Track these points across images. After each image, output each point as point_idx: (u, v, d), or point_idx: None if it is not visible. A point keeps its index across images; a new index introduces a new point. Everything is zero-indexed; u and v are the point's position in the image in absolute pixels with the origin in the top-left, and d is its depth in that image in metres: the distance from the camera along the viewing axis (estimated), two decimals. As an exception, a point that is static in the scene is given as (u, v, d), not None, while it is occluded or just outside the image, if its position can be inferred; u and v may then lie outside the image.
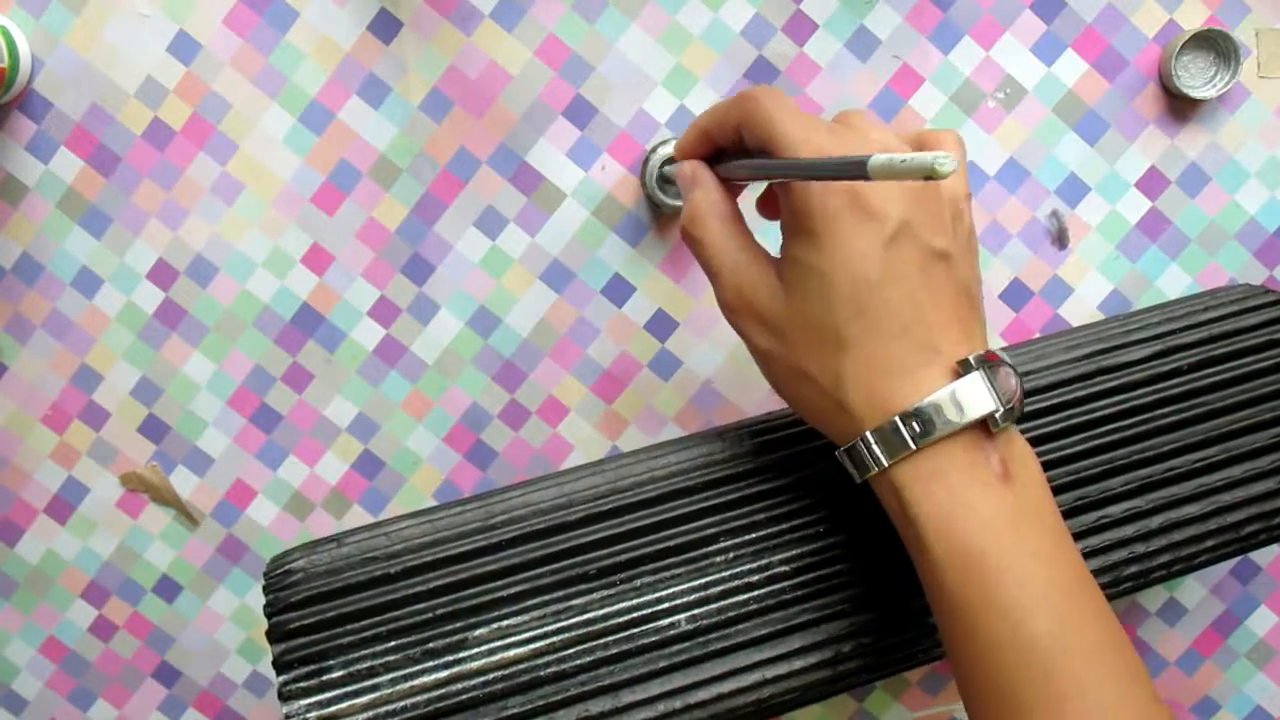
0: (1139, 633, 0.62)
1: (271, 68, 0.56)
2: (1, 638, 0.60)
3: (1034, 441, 0.48)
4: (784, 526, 0.46)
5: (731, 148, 0.44)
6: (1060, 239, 0.60)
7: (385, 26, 0.56)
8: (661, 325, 0.59)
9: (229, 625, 0.60)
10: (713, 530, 0.46)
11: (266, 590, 0.45)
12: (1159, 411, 0.50)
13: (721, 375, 0.59)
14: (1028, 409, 0.49)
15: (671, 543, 0.46)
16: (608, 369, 0.59)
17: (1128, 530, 0.48)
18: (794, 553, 0.46)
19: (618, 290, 0.59)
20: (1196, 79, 0.58)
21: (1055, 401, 0.49)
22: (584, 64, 0.56)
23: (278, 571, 0.45)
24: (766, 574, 0.46)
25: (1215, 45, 0.57)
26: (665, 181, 0.56)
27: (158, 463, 0.59)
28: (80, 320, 0.57)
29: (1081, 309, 0.60)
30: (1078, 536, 0.48)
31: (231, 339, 0.58)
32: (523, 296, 0.58)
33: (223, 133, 0.56)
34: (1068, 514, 0.48)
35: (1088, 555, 0.48)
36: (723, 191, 0.44)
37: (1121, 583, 0.49)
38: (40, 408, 0.58)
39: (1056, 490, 0.47)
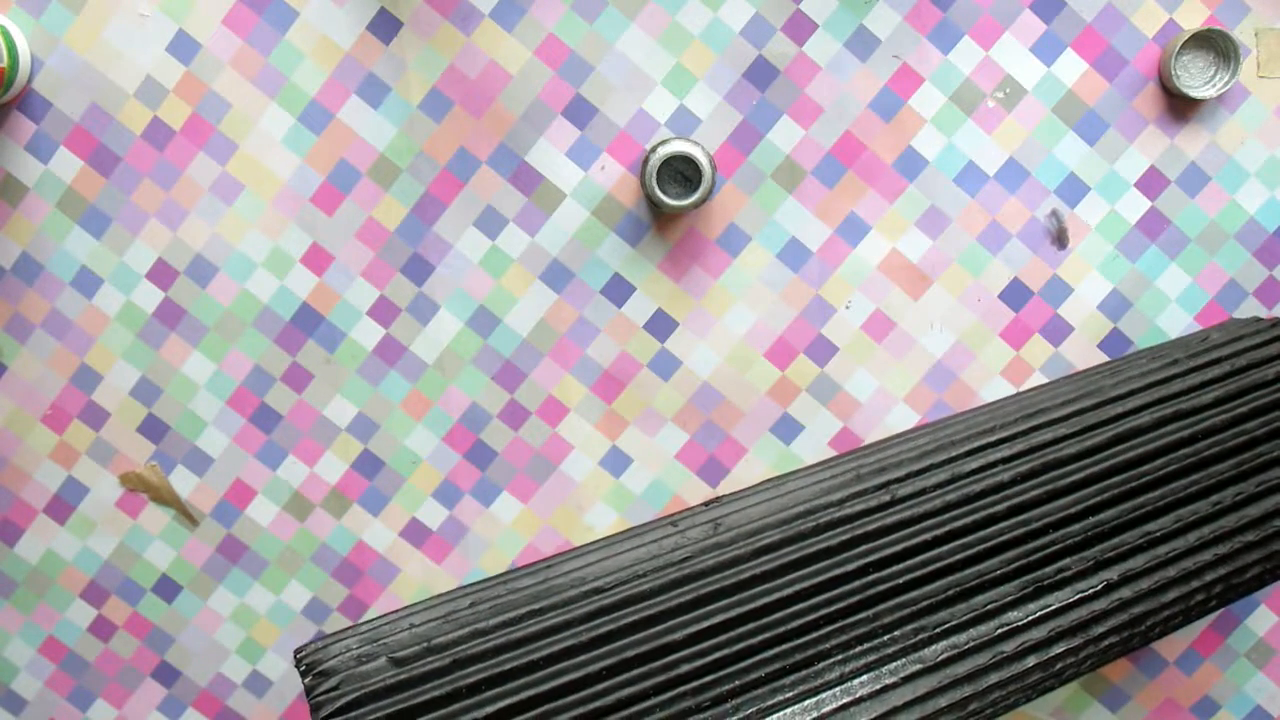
0: (1139, 633, 0.62)
1: (271, 68, 0.56)
2: (1, 638, 0.60)
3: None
4: (903, 645, 0.44)
5: None
6: (1060, 239, 0.60)
7: (385, 26, 0.56)
8: (661, 325, 0.59)
9: (228, 625, 0.60)
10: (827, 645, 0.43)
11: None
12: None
13: (721, 375, 0.60)
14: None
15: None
16: (608, 369, 0.59)
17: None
18: (904, 660, 0.44)
19: (618, 290, 0.59)
20: (1196, 79, 0.58)
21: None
22: (584, 64, 0.56)
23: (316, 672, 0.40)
24: (878, 686, 0.43)
25: (1215, 45, 0.57)
26: (666, 181, 0.56)
27: (157, 463, 0.59)
28: (80, 320, 0.57)
29: (1081, 309, 0.60)
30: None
31: (231, 339, 0.58)
32: (522, 296, 0.58)
33: (222, 133, 0.56)
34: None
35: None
36: None
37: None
38: (40, 407, 0.58)
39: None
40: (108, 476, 0.59)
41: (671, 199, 0.56)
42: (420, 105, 0.56)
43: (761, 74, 0.57)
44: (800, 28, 0.57)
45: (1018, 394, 0.54)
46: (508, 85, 0.56)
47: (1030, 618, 0.45)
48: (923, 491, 0.47)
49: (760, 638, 0.42)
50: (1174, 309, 0.60)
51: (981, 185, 0.59)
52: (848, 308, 0.59)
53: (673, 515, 0.47)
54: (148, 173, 0.56)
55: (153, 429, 0.58)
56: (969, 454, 0.48)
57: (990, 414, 0.51)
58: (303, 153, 0.56)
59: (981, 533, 0.46)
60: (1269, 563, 0.50)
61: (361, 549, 0.60)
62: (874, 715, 0.43)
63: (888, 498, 0.46)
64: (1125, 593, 0.47)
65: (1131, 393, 0.51)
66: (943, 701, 0.44)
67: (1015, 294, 0.60)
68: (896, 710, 0.43)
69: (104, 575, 0.60)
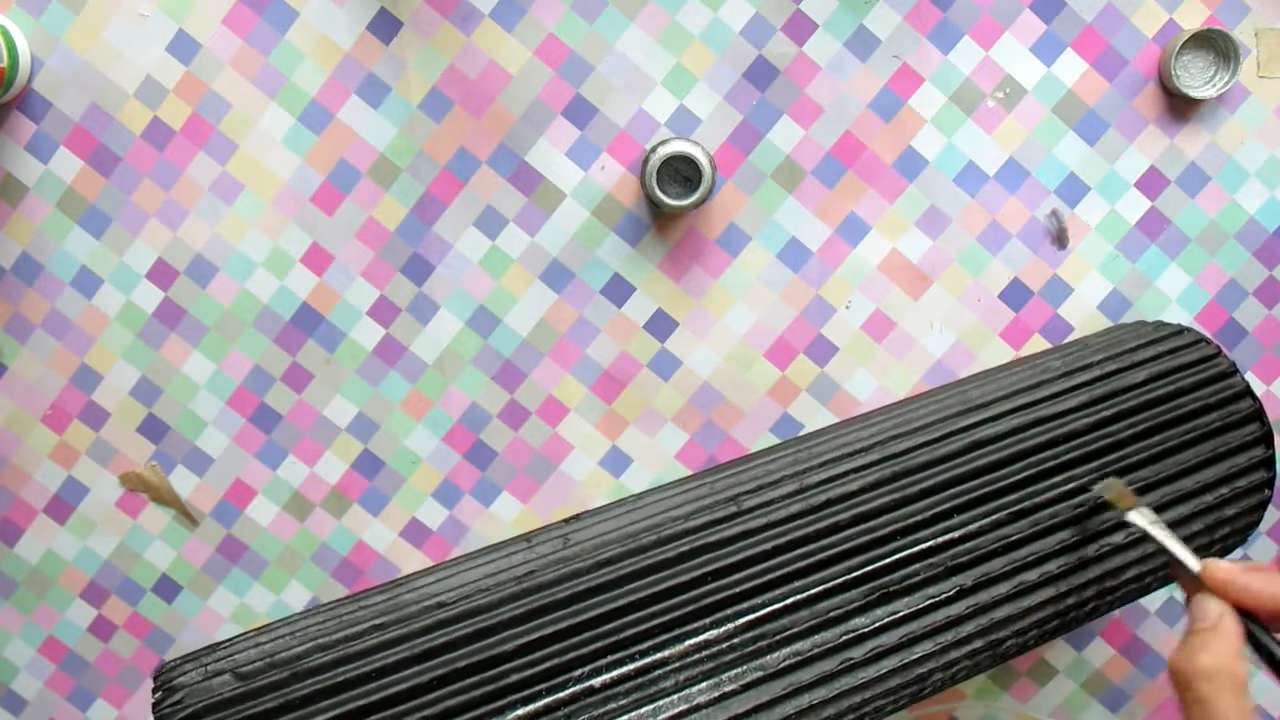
0: (1138, 633, 0.62)
1: (271, 68, 0.56)
2: (1, 638, 0.60)
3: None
4: (737, 640, 0.44)
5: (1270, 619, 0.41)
6: (1060, 239, 0.60)
7: (385, 26, 0.56)
8: (661, 325, 0.59)
9: (228, 625, 0.60)
10: (664, 652, 0.44)
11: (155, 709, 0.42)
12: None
13: (721, 375, 0.60)
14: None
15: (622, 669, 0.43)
16: (607, 369, 0.59)
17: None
18: (744, 668, 0.44)
19: (618, 290, 0.59)
20: (1196, 79, 0.58)
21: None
22: (584, 64, 0.56)
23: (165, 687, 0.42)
24: (717, 694, 0.44)
25: (1215, 45, 0.57)
26: (666, 181, 0.56)
27: (157, 463, 0.59)
28: (80, 320, 0.57)
29: (1081, 309, 0.60)
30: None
31: (231, 339, 0.58)
32: (522, 296, 0.58)
33: (222, 133, 0.56)
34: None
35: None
36: (1242, 658, 0.40)
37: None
38: (40, 408, 0.58)
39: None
40: (108, 476, 0.59)
41: (672, 199, 0.56)
42: (420, 105, 0.56)
43: (761, 74, 0.57)
44: (800, 28, 0.57)
45: (889, 407, 0.54)
46: (508, 85, 0.56)
47: (878, 623, 0.45)
48: (769, 502, 0.47)
49: (592, 647, 0.43)
50: (1174, 309, 0.60)
51: (981, 185, 0.59)
52: (848, 308, 0.59)
53: (529, 532, 0.48)
54: (148, 173, 0.56)
55: (153, 429, 0.58)
56: (820, 465, 0.49)
57: (858, 429, 0.51)
58: (303, 153, 0.56)
59: (825, 540, 0.46)
60: (1146, 564, 0.50)
61: (361, 549, 0.60)
62: None
63: (734, 509, 0.47)
64: (983, 597, 0.46)
65: (995, 400, 0.51)
66: (790, 708, 0.44)
67: (1015, 294, 0.60)
68: (740, 717, 0.43)
69: (104, 575, 0.60)
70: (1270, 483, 0.51)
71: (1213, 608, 0.41)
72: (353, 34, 0.56)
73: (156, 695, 0.43)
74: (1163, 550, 0.45)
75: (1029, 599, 0.47)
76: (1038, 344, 0.60)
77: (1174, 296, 0.60)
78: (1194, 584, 0.43)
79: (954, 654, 0.46)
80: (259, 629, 0.46)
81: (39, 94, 0.55)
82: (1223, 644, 0.40)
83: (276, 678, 0.42)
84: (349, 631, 0.44)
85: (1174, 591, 0.62)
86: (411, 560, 0.60)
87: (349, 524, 0.60)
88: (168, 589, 0.60)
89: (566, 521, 0.49)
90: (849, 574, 0.45)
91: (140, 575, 0.60)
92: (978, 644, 0.47)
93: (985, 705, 0.61)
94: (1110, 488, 0.48)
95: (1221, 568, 0.42)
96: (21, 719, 0.61)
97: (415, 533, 0.60)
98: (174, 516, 0.59)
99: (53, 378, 0.58)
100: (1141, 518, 0.46)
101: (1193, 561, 0.43)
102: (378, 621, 0.44)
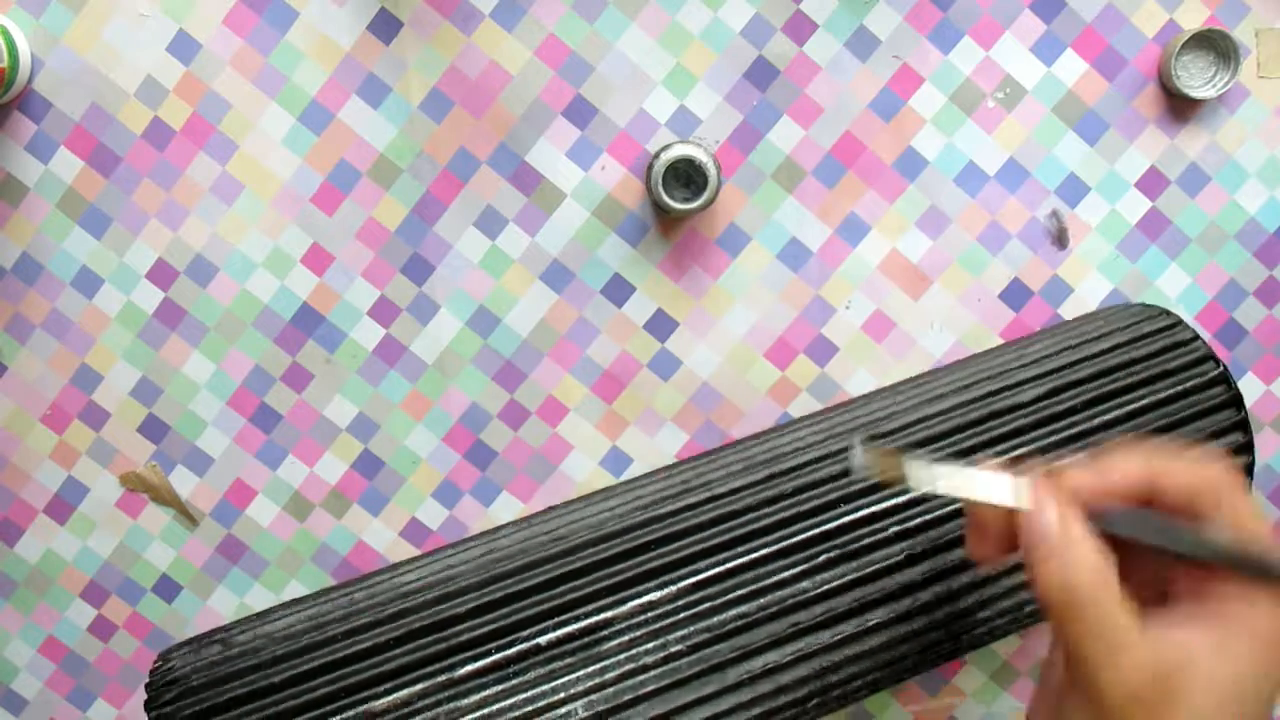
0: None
1: (271, 68, 0.56)
2: (1, 638, 0.60)
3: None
4: (682, 602, 0.46)
5: (1125, 500, 0.35)
6: (1060, 239, 0.60)
7: (385, 26, 0.56)
8: (661, 325, 0.59)
9: (229, 625, 0.60)
10: (608, 615, 0.46)
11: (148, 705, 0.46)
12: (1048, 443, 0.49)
13: (721, 375, 0.60)
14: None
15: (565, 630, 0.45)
16: (607, 369, 0.59)
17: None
18: (690, 629, 0.46)
19: (618, 290, 0.59)
20: (1196, 79, 0.58)
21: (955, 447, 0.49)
22: (584, 64, 0.56)
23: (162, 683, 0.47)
24: (663, 654, 0.45)
25: (1215, 45, 0.57)
26: (671, 185, 0.56)
27: (157, 463, 0.59)
28: (80, 320, 0.57)
29: (1081, 309, 0.60)
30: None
31: (231, 339, 0.58)
32: (523, 296, 0.58)
33: (222, 133, 0.56)
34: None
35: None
36: (1107, 556, 0.34)
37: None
38: (40, 408, 0.58)
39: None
40: (108, 476, 0.59)
41: (678, 203, 0.56)
42: (420, 105, 0.56)
43: (761, 74, 0.57)
44: (800, 28, 0.57)
45: (846, 403, 0.55)
46: (508, 85, 0.56)
47: (825, 586, 0.46)
48: (717, 479, 0.50)
49: (540, 609, 0.46)
50: (1174, 309, 0.60)
51: (982, 185, 0.59)
52: (848, 308, 0.59)
53: (498, 526, 0.53)
54: (148, 173, 0.56)
55: (153, 429, 0.58)
56: (770, 449, 0.51)
57: (816, 422, 0.53)
58: (303, 153, 0.56)
59: (770, 507, 0.48)
60: None
61: (361, 549, 0.60)
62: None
63: (683, 487, 0.49)
64: (937, 562, 0.47)
65: (951, 392, 0.51)
66: (741, 671, 0.45)
67: (1015, 294, 0.60)
68: (689, 679, 0.45)
69: (104, 575, 0.60)
70: (1249, 446, 0.51)
71: (1047, 520, 0.34)
72: (353, 34, 0.56)
73: (154, 669, 0.48)
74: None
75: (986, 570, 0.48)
76: (1038, 344, 0.60)
77: (1174, 296, 0.60)
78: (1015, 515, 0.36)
79: (915, 623, 0.46)
80: (256, 614, 0.51)
81: (39, 94, 0.55)
82: (1080, 554, 0.34)
83: (258, 644, 0.47)
84: (326, 606, 0.48)
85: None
86: (411, 560, 0.60)
87: (349, 524, 0.60)
88: (168, 589, 0.60)
89: (533, 515, 0.52)
90: (793, 538, 0.46)
91: (140, 575, 0.60)
92: (939, 614, 0.47)
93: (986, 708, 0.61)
94: (872, 462, 0.39)
95: (1052, 484, 0.35)
96: (21, 719, 0.61)
97: (415, 533, 0.60)
98: (174, 516, 0.59)
99: (53, 378, 0.58)
100: (925, 479, 0.37)
101: (1011, 494, 0.36)
102: (352, 596, 0.49)
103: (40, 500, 0.59)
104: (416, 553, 0.60)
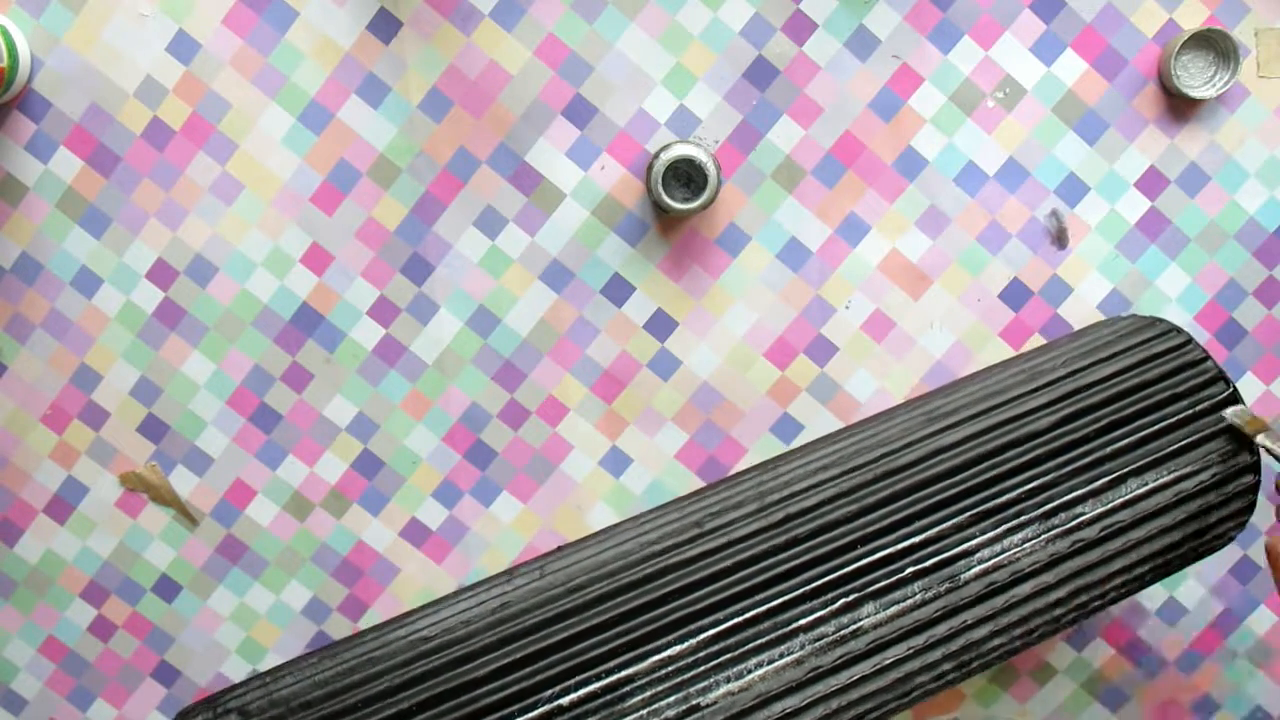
0: (1139, 633, 0.62)
1: (271, 68, 0.56)
2: (1, 638, 0.60)
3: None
4: (702, 654, 0.46)
5: None
6: (1060, 239, 0.60)
7: (385, 26, 0.56)
8: (661, 325, 0.59)
9: (228, 625, 0.60)
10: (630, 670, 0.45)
11: None
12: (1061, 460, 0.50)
13: (721, 375, 0.60)
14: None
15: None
16: (607, 369, 0.59)
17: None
18: (711, 680, 0.46)
19: (618, 290, 0.59)
20: (1196, 79, 0.58)
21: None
22: (584, 64, 0.56)
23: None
24: (684, 706, 0.45)
25: (1215, 45, 0.57)
26: (671, 185, 0.56)
27: (157, 462, 0.59)
28: (80, 320, 0.57)
29: (1081, 309, 0.60)
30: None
31: (231, 339, 0.58)
32: (522, 296, 0.58)
33: (222, 133, 0.56)
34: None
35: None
36: None
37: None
38: (40, 407, 0.58)
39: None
40: (108, 476, 0.59)
41: (678, 202, 0.56)
42: (420, 105, 0.56)
43: (761, 74, 0.57)
44: (800, 28, 0.57)
45: (854, 425, 0.54)
46: (508, 85, 0.56)
47: (843, 630, 0.46)
48: (730, 522, 0.48)
49: (561, 668, 0.45)
50: (1174, 309, 0.60)
51: (981, 185, 0.59)
52: (848, 308, 0.59)
53: (511, 567, 0.52)
54: (148, 173, 0.56)
55: (153, 429, 0.58)
56: (781, 485, 0.50)
57: (824, 449, 0.52)
58: (303, 153, 0.56)
59: (785, 553, 0.47)
60: (1137, 564, 0.50)
61: (361, 549, 0.60)
62: None
63: (696, 531, 0.48)
64: (953, 599, 0.47)
65: (957, 409, 0.51)
66: (760, 719, 0.45)
67: (1015, 294, 0.60)
68: None
69: (104, 575, 0.60)
70: (1255, 467, 0.51)
71: None
72: (353, 34, 0.56)
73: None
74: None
75: (1001, 598, 0.48)
76: (1037, 344, 0.60)
77: (1174, 296, 0.60)
78: None
79: (933, 655, 0.47)
80: (265, 673, 0.49)
81: (39, 94, 0.55)
82: None
83: (275, 714, 0.46)
84: (341, 668, 0.47)
85: (1171, 590, 0.62)
86: (411, 560, 0.60)
87: (349, 524, 0.60)
88: (168, 589, 0.60)
89: (545, 555, 0.51)
90: (810, 584, 0.46)
91: (140, 575, 0.60)
92: (956, 644, 0.47)
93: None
94: (1240, 414, 0.51)
95: None
96: (21, 719, 0.61)
97: (415, 532, 0.60)
98: (174, 516, 0.59)
99: (53, 378, 0.58)
100: (1269, 439, 0.49)
101: None
102: (368, 656, 0.47)
103: (40, 500, 0.59)
104: (416, 552, 0.60)
